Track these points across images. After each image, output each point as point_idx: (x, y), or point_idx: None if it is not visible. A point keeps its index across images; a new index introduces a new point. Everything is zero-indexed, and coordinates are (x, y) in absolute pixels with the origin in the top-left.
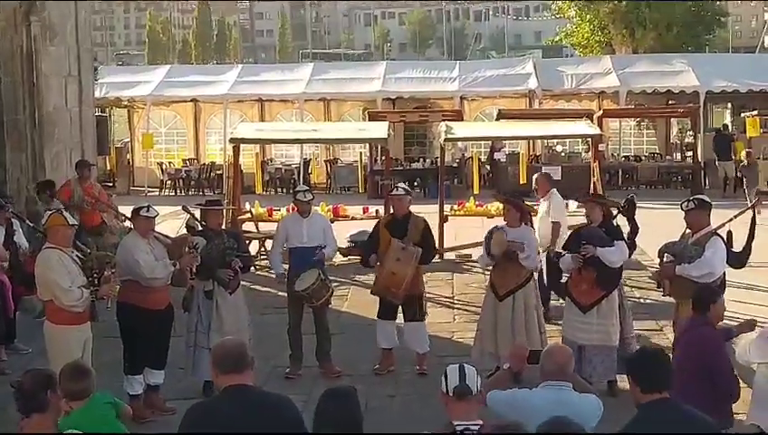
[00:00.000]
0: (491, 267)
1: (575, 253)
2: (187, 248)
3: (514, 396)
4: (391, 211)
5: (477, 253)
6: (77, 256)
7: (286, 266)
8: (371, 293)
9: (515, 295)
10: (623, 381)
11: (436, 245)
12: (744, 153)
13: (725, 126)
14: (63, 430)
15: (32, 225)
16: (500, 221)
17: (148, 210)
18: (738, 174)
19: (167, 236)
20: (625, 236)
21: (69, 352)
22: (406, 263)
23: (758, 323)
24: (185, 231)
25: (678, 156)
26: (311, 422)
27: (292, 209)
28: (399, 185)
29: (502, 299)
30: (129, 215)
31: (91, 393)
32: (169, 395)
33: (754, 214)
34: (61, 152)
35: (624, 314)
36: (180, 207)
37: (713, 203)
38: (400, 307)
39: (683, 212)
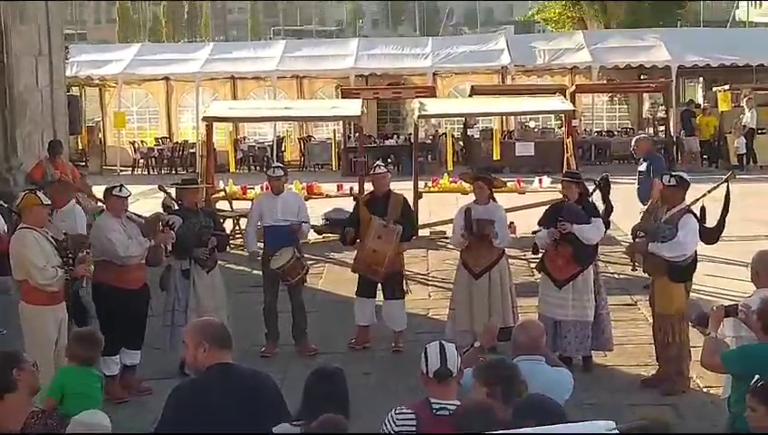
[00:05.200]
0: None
1: (552, 228)
2: (160, 227)
3: None
4: (371, 190)
5: (451, 230)
6: (52, 236)
7: (260, 245)
8: (352, 270)
9: (491, 273)
10: (597, 357)
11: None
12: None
13: (691, 101)
14: (54, 377)
15: (6, 205)
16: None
17: (120, 190)
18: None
19: (139, 216)
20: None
21: (44, 332)
22: (387, 240)
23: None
24: (161, 210)
25: (651, 130)
26: (287, 399)
27: (266, 188)
28: (379, 163)
29: (478, 277)
30: (101, 195)
31: (94, 365)
32: (146, 375)
33: (728, 189)
34: (33, 132)
35: (598, 290)
36: (154, 186)
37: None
38: (379, 285)
39: (661, 185)
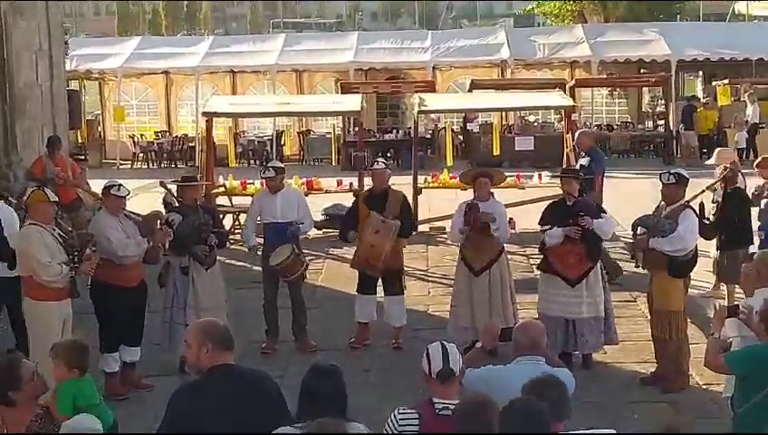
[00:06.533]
0: (462, 242)
1: (566, 226)
2: (158, 225)
3: (489, 373)
4: (370, 186)
5: (449, 225)
6: (59, 233)
7: (260, 240)
8: (351, 266)
9: (491, 270)
10: (596, 355)
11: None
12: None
13: (694, 96)
14: (62, 393)
15: (16, 202)
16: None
17: (119, 189)
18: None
19: (137, 214)
20: None
21: (48, 327)
22: (384, 236)
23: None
24: (161, 206)
25: (650, 124)
26: (287, 396)
27: (265, 184)
28: (379, 159)
29: (478, 274)
30: (100, 190)
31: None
32: (146, 372)
33: (726, 186)
34: (33, 128)
35: (604, 285)
36: (155, 181)
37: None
38: (380, 281)
39: (661, 184)
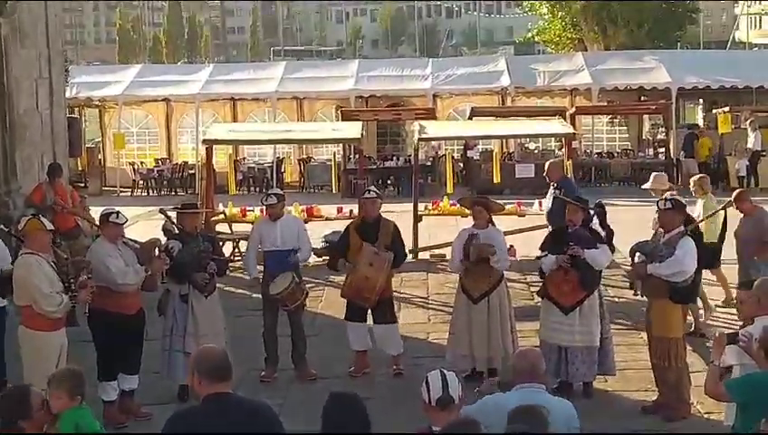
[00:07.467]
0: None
1: (560, 254)
2: (156, 253)
3: (487, 402)
4: (361, 214)
5: (450, 253)
6: (53, 261)
7: (261, 268)
8: (342, 296)
9: (490, 297)
10: (597, 383)
11: (411, 244)
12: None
13: (696, 125)
14: (65, 422)
15: (7, 229)
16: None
17: (117, 217)
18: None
19: (135, 241)
20: None
21: (44, 357)
22: (379, 268)
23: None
24: (161, 234)
25: (651, 152)
26: (286, 424)
27: (265, 211)
28: (371, 187)
29: (477, 302)
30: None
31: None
32: (145, 400)
33: (725, 216)
34: (32, 155)
35: (603, 314)
36: (154, 208)
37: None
38: (369, 310)
39: (658, 210)
